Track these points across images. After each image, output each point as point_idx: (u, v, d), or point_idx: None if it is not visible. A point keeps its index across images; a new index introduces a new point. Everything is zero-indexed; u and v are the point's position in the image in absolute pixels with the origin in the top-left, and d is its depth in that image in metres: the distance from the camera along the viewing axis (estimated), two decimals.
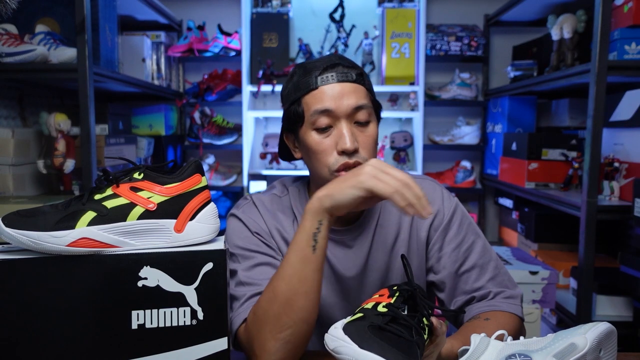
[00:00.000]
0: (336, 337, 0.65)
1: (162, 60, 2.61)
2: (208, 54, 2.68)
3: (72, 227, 0.66)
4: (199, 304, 0.70)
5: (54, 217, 0.67)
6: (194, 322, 0.70)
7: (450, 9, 2.84)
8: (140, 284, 0.68)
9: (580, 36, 1.98)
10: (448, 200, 1.04)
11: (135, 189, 0.71)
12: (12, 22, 1.72)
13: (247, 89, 2.67)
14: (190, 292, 0.69)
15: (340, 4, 2.64)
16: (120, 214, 0.69)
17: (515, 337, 0.75)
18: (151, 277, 0.68)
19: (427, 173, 2.68)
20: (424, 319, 0.69)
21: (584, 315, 1.69)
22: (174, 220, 0.71)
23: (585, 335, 0.67)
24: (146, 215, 0.70)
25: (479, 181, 2.82)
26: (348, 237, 1.01)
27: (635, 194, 1.58)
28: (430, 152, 2.82)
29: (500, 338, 0.73)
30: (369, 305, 0.70)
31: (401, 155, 2.75)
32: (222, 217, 2.65)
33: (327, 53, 2.72)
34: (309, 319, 0.82)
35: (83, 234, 0.66)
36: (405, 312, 0.69)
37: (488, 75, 2.83)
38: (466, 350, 0.70)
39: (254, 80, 2.68)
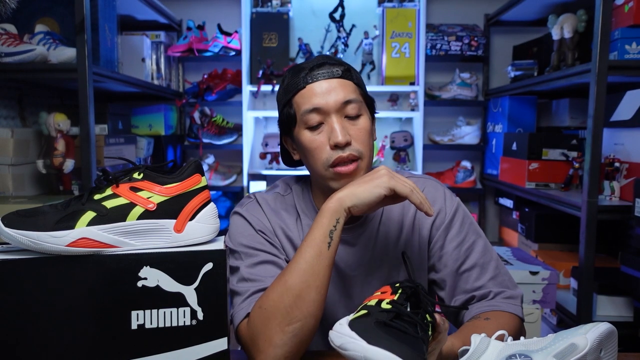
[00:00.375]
0: (342, 333, 0.65)
1: (162, 60, 2.61)
2: (208, 54, 2.68)
3: (72, 227, 0.66)
4: (199, 304, 0.69)
5: (54, 217, 0.67)
6: (194, 322, 0.69)
7: (450, 8, 2.84)
8: (140, 284, 0.68)
9: (580, 36, 1.97)
10: (450, 200, 1.04)
11: (135, 189, 0.70)
12: (11, 22, 1.72)
13: (247, 88, 2.67)
14: (190, 292, 0.69)
15: (340, 4, 2.64)
16: (120, 214, 0.68)
17: (516, 338, 0.75)
18: (151, 277, 0.68)
19: (428, 173, 2.68)
20: (427, 315, 0.69)
21: (584, 316, 1.69)
22: (174, 220, 0.71)
23: (586, 335, 0.66)
24: (146, 215, 0.69)
25: (479, 181, 2.82)
26: (351, 236, 1.01)
27: (635, 194, 1.58)
28: (431, 152, 2.82)
29: (501, 338, 0.73)
30: (372, 302, 0.70)
31: (401, 155, 2.75)
32: (222, 217, 2.66)
33: (327, 53, 2.72)
34: (317, 313, 0.84)
35: (83, 234, 0.66)
36: (409, 309, 0.69)
37: (488, 75, 2.83)
38: (466, 351, 0.69)
39: (253, 80, 2.68)
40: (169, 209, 0.71)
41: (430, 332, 0.69)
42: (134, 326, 0.68)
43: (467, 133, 2.76)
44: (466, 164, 2.73)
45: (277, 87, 2.63)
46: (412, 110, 2.69)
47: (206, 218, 0.74)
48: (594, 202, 1.65)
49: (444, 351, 0.77)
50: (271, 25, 2.68)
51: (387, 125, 2.86)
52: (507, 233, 2.72)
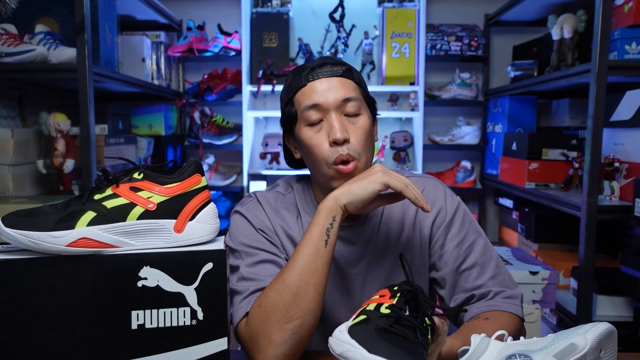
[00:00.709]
0: (343, 341, 0.64)
1: (162, 60, 2.61)
2: (208, 54, 2.68)
3: (72, 227, 0.66)
4: (199, 304, 0.69)
5: (54, 217, 0.67)
6: (194, 322, 0.69)
7: (450, 8, 2.84)
8: (140, 284, 0.68)
9: (580, 36, 1.98)
10: (450, 199, 1.04)
11: (135, 189, 0.70)
12: (12, 22, 1.72)
13: (247, 88, 2.67)
14: (190, 292, 0.69)
15: (340, 4, 2.64)
16: (120, 214, 0.68)
17: (516, 337, 0.75)
18: (151, 277, 0.68)
19: (428, 173, 2.67)
20: (426, 318, 0.69)
21: (584, 316, 1.69)
22: (174, 220, 0.71)
23: (586, 335, 0.66)
24: (146, 215, 0.69)
25: (479, 181, 2.82)
26: (352, 234, 1.01)
27: (635, 194, 1.58)
28: (431, 152, 2.82)
29: (501, 338, 0.73)
30: (371, 307, 0.70)
31: (401, 155, 2.75)
32: (222, 217, 2.66)
33: (327, 53, 2.72)
34: (316, 311, 0.85)
35: (83, 234, 0.66)
36: (407, 313, 0.69)
37: (488, 75, 2.83)
38: (466, 351, 0.69)
39: (253, 80, 2.68)
40: (169, 209, 0.71)
41: (429, 335, 0.69)
42: (134, 326, 0.68)
43: (467, 133, 2.76)
44: (466, 164, 2.73)
45: (277, 87, 2.64)
46: (412, 110, 2.69)
47: (206, 218, 0.74)
48: (594, 202, 1.65)
49: (443, 351, 0.77)
50: (271, 26, 2.68)
51: (387, 125, 2.86)
52: (507, 233, 2.72)
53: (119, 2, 2.10)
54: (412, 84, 2.68)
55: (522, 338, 0.72)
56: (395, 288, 0.73)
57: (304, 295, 0.83)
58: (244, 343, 0.88)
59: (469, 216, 1.04)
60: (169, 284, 0.69)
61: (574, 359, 0.65)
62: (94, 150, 1.70)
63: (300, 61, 2.75)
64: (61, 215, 0.67)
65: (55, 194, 1.84)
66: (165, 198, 0.71)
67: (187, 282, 0.69)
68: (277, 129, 2.87)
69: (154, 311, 0.68)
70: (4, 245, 0.70)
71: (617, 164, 1.76)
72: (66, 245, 0.66)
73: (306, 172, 1.06)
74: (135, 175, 0.72)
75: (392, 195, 0.90)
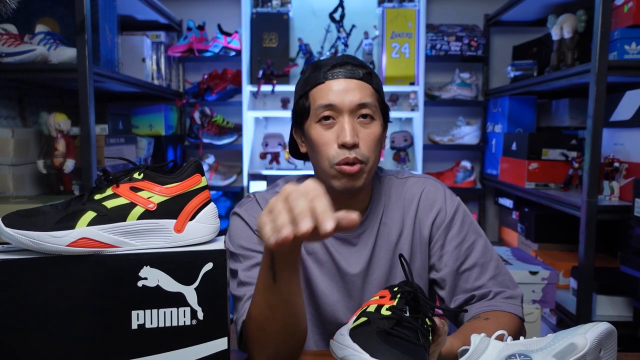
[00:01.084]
0: (344, 344, 0.64)
1: (162, 60, 2.61)
2: (208, 54, 2.68)
3: (72, 227, 0.66)
4: (199, 304, 0.69)
5: (54, 217, 0.67)
6: (194, 322, 0.70)
7: (450, 9, 2.84)
8: (140, 284, 0.68)
9: (580, 36, 1.98)
10: (450, 199, 1.04)
11: (135, 189, 0.70)
12: (12, 22, 1.72)
13: (247, 89, 2.67)
14: (190, 292, 0.69)
15: (340, 4, 2.64)
16: (120, 214, 0.69)
17: (515, 337, 0.75)
18: (151, 277, 0.68)
19: (427, 173, 2.67)
20: (427, 319, 0.69)
21: (584, 315, 1.69)
22: (174, 220, 0.71)
23: (585, 335, 0.67)
24: (146, 215, 0.69)
25: (479, 181, 2.82)
26: (352, 235, 1.01)
27: (635, 194, 1.58)
28: (430, 152, 2.82)
29: (500, 338, 0.73)
30: (372, 308, 0.70)
31: (401, 155, 2.75)
32: (222, 217, 2.66)
33: (327, 53, 2.72)
34: (289, 341, 0.81)
35: (83, 234, 0.66)
36: (408, 314, 0.68)
37: (488, 75, 2.83)
38: (466, 350, 0.70)
39: (254, 80, 2.68)
40: (169, 209, 0.71)
41: (430, 337, 0.69)
42: (134, 326, 0.68)
43: (467, 133, 2.76)
44: (466, 164, 2.73)
45: (277, 88, 2.64)
46: (412, 110, 2.69)
47: (206, 218, 0.74)
48: (594, 202, 1.65)
49: (443, 351, 0.77)
50: (271, 26, 2.68)
51: None
52: (507, 233, 2.72)
53: (119, 2, 2.10)
54: (412, 84, 2.68)
55: (522, 338, 0.72)
56: (396, 289, 0.73)
57: (268, 329, 0.79)
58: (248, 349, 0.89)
59: (468, 217, 1.04)
60: (169, 284, 0.69)
61: (574, 359, 0.65)
62: (94, 150, 1.70)
63: (300, 61, 2.75)
64: (61, 215, 0.67)
65: (56, 194, 1.84)
66: (166, 198, 0.71)
67: (187, 282, 0.69)
68: (277, 129, 2.88)
69: (154, 311, 0.68)
70: (4, 245, 0.70)
71: (616, 164, 1.76)
72: (66, 245, 0.66)
73: (306, 172, 1.06)
74: (136, 175, 0.72)
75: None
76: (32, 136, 1.86)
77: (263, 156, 2.79)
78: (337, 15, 2.66)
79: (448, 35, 2.68)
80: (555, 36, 2.04)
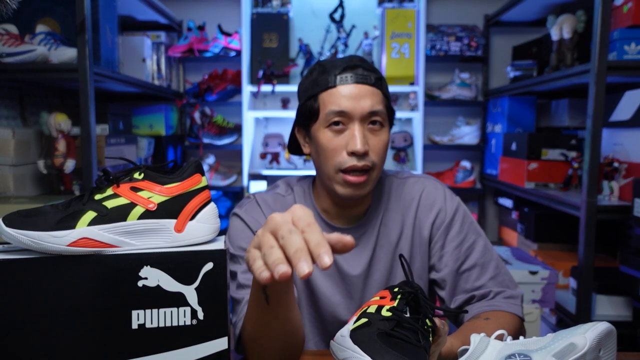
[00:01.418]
0: (345, 346, 0.64)
1: (163, 61, 2.61)
2: (208, 54, 2.68)
3: (73, 227, 0.66)
4: (199, 303, 0.70)
5: (55, 217, 0.67)
6: (194, 322, 0.70)
7: (450, 9, 2.84)
8: (140, 283, 0.68)
9: (580, 36, 1.98)
10: (450, 200, 1.04)
11: (136, 189, 0.71)
12: (12, 22, 1.72)
13: (247, 89, 2.67)
14: (190, 292, 0.69)
15: (340, 4, 2.64)
16: (120, 214, 0.69)
17: (515, 337, 0.75)
18: (151, 277, 0.68)
19: (427, 173, 2.68)
20: (427, 320, 0.69)
21: (583, 315, 1.69)
22: (174, 220, 0.71)
23: (585, 335, 0.67)
24: (146, 215, 0.70)
25: (478, 181, 2.82)
26: (353, 236, 1.01)
27: (634, 194, 1.59)
28: (430, 152, 2.82)
29: (500, 338, 0.73)
30: (372, 309, 0.69)
31: (401, 155, 2.76)
32: (222, 217, 2.66)
33: (327, 53, 2.72)
34: (284, 355, 0.80)
35: (83, 234, 0.66)
36: (408, 314, 0.68)
37: (488, 75, 2.83)
38: (466, 350, 0.70)
39: (254, 81, 2.68)
40: (170, 209, 0.71)
41: (430, 337, 0.69)
42: (134, 326, 0.68)
43: (467, 133, 2.76)
44: (466, 164, 2.73)
45: (277, 88, 2.64)
46: (412, 110, 2.70)
47: (206, 218, 0.74)
48: (593, 202, 1.65)
49: (443, 351, 0.77)
50: (271, 26, 2.68)
51: None
52: (507, 233, 2.72)
53: (120, 3, 2.10)
54: (412, 84, 2.68)
55: (521, 338, 0.72)
56: (396, 289, 0.73)
57: (263, 345, 0.79)
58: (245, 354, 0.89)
59: (468, 217, 1.04)
60: (170, 284, 0.69)
61: (573, 359, 0.65)
62: (95, 150, 1.70)
63: (301, 62, 2.75)
64: (62, 215, 0.67)
65: (56, 194, 1.84)
66: (166, 198, 0.71)
67: (188, 281, 0.69)
68: (277, 129, 2.88)
69: (155, 311, 0.68)
70: (5, 245, 0.70)
71: (616, 164, 1.76)
72: (67, 245, 0.66)
73: (306, 172, 1.05)
74: (136, 175, 0.72)
75: None
76: (33, 136, 1.86)
77: (263, 156, 2.79)
78: (337, 16, 2.66)
79: (448, 36, 2.68)
80: (554, 36, 2.04)
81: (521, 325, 0.96)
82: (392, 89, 2.69)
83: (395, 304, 0.69)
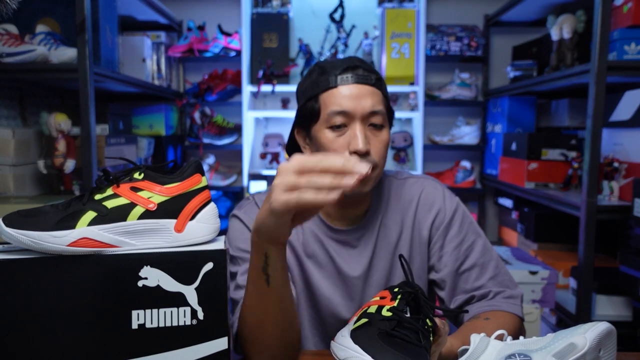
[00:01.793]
0: (346, 346, 0.64)
1: (163, 61, 2.61)
2: (208, 54, 2.68)
3: (73, 227, 0.66)
4: (199, 303, 0.70)
5: (55, 217, 0.67)
6: (194, 322, 0.70)
7: (450, 9, 2.84)
8: (140, 283, 0.68)
9: (580, 36, 1.98)
10: (449, 200, 1.04)
11: (136, 189, 0.71)
12: (12, 22, 1.72)
13: (247, 89, 2.67)
14: (190, 292, 0.69)
15: (340, 4, 2.64)
16: (120, 214, 0.69)
17: (515, 337, 0.75)
18: (151, 277, 0.68)
19: (427, 173, 2.68)
20: (428, 320, 0.69)
21: (583, 315, 1.69)
22: (174, 220, 0.71)
23: (585, 335, 0.67)
24: (146, 215, 0.70)
25: (478, 181, 2.82)
26: (352, 237, 1.01)
27: (634, 194, 1.59)
28: (430, 152, 2.82)
29: (500, 338, 0.73)
30: (373, 310, 0.69)
31: (401, 155, 2.76)
32: (222, 217, 2.66)
33: (327, 53, 2.72)
34: (283, 343, 0.81)
35: (83, 234, 0.66)
36: (408, 314, 0.68)
37: (488, 75, 2.83)
38: (466, 350, 0.70)
39: (254, 81, 2.68)
40: (170, 209, 0.71)
41: (431, 337, 0.69)
42: (134, 326, 0.68)
43: (467, 133, 2.76)
44: (466, 164, 2.73)
45: (277, 88, 2.64)
46: (412, 110, 2.70)
47: (206, 218, 0.74)
48: (593, 202, 1.65)
49: (443, 351, 0.77)
50: (271, 26, 2.68)
51: None
52: (507, 233, 2.72)
53: (120, 3, 2.10)
54: (412, 84, 2.68)
55: (521, 338, 0.72)
56: (396, 289, 0.73)
57: (262, 333, 0.80)
58: (243, 354, 0.89)
59: (468, 217, 1.04)
60: (170, 284, 0.69)
61: (574, 359, 0.65)
62: (95, 150, 1.70)
63: (301, 62, 2.75)
64: (62, 215, 0.67)
65: (56, 194, 1.84)
66: (166, 198, 0.71)
67: (188, 281, 0.69)
68: (277, 129, 2.88)
69: (155, 311, 0.69)
70: (5, 245, 0.70)
71: (616, 164, 1.76)
72: (67, 245, 0.66)
73: None
74: (136, 175, 0.72)
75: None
76: (33, 136, 1.86)
77: (263, 156, 2.79)
78: (337, 16, 2.66)
79: (448, 36, 2.68)
80: (554, 36, 2.04)
81: (521, 325, 0.96)
82: (392, 89, 2.69)
83: (395, 304, 0.69)
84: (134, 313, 0.68)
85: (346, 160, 0.64)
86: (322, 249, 1.01)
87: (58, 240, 0.66)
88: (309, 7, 2.81)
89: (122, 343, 0.68)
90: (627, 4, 1.64)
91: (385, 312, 0.68)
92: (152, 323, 0.69)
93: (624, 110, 1.75)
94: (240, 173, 2.79)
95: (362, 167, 0.63)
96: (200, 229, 0.73)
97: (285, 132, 2.83)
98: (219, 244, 0.74)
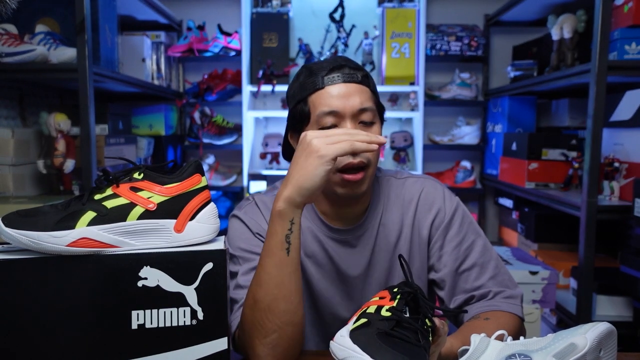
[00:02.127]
0: (345, 346, 0.64)
1: (162, 60, 2.61)
2: (208, 54, 2.68)
3: (72, 227, 0.66)
4: (199, 304, 0.70)
5: (54, 217, 0.67)
6: (194, 322, 0.70)
7: (450, 9, 2.84)
8: (140, 284, 0.68)
9: (580, 36, 1.98)
10: (449, 200, 1.04)
11: (135, 189, 0.71)
12: (12, 22, 1.72)
13: (247, 89, 2.67)
14: (190, 292, 0.69)
15: (340, 4, 2.64)
16: (120, 214, 0.69)
17: (515, 337, 0.75)
18: (151, 277, 0.68)
19: (427, 173, 2.68)
20: (427, 320, 0.69)
21: (583, 315, 1.69)
22: (174, 220, 0.71)
23: (585, 335, 0.67)
24: (146, 215, 0.69)
25: (479, 181, 2.82)
26: (352, 237, 1.01)
27: (635, 194, 1.58)
28: (430, 152, 2.82)
29: (500, 338, 0.73)
30: (372, 309, 0.69)
31: (401, 155, 2.75)
32: (222, 217, 2.65)
33: (327, 53, 2.72)
34: (293, 320, 0.82)
35: (83, 234, 0.66)
36: (408, 314, 0.68)
37: (488, 75, 2.83)
38: (466, 350, 0.70)
39: (254, 80, 2.68)
40: (169, 209, 0.71)
41: (430, 337, 0.69)
42: (134, 326, 0.68)
43: (467, 133, 2.76)
44: (466, 164, 2.73)
45: (277, 88, 2.64)
46: (412, 110, 2.69)
47: (206, 218, 0.74)
48: (594, 202, 1.65)
49: (443, 352, 0.77)
50: (271, 26, 2.68)
51: (387, 125, 2.86)
52: (507, 233, 2.72)
53: (119, 2, 2.10)
54: (412, 84, 2.68)
55: (521, 338, 0.72)
56: (395, 289, 0.72)
57: (275, 310, 0.81)
58: (242, 352, 0.88)
59: (468, 217, 1.04)
60: (169, 284, 0.69)
61: (574, 359, 0.65)
62: (94, 150, 1.70)
63: (301, 61, 2.75)
64: (61, 215, 0.67)
65: (56, 194, 1.84)
66: (166, 198, 0.71)
67: (187, 282, 0.69)
68: (277, 129, 2.88)
69: (154, 311, 0.68)
70: (4, 245, 0.70)
71: (616, 164, 1.76)
72: (66, 245, 0.66)
73: None
74: (136, 175, 0.72)
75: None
76: (32, 136, 1.86)
77: (263, 156, 2.79)
78: (337, 15, 2.66)
79: (448, 35, 2.68)
80: (555, 36, 2.04)
81: (521, 325, 0.96)
82: (392, 89, 2.69)
83: (394, 304, 0.69)
84: (134, 313, 0.68)
85: (369, 135, 0.82)
86: (321, 248, 1.01)
87: (57, 241, 0.65)
88: (309, 6, 2.81)
89: (122, 343, 0.68)
90: (628, 4, 1.63)
91: (384, 312, 0.68)
92: (152, 323, 0.68)
93: (624, 110, 1.75)
94: (240, 173, 2.79)
95: (382, 139, 0.82)
96: (200, 229, 0.73)
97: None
98: (219, 244, 0.73)
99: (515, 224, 2.55)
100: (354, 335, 0.65)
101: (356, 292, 1.01)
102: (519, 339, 0.72)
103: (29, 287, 0.66)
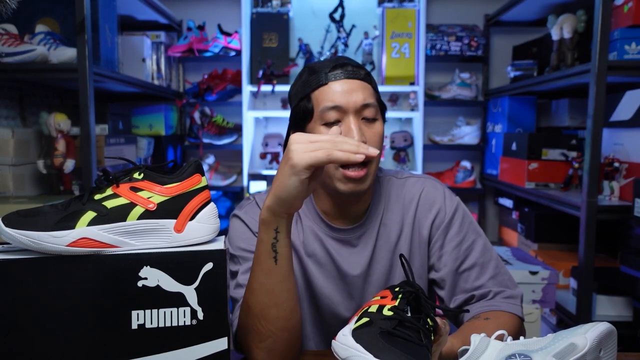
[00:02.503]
0: (348, 345, 0.64)
1: (162, 60, 2.61)
2: (208, 54, 2.68)
3: (72, 227, 0.66)
4: (199, 304, 0.69)
5: (54, 217, 0.67)
6: (194, 322, 0.70)
7: (450, 9, 2.84)
8: (140, 284, 0.68)
9: (580, 36, 1.98)
10: (450, 199, 1.04)
11: (135, 189, 0.71)
12: (12, 22, 1.72)
13: (247, 89, 2.67)
14: (190, 292, 0.69)
15: (340, 4, 2.64)
16: (120, 214, 0.69)
17: (515, 337, 0.75)
18: (151, 277, 0.68)
19: (427, 173, 2.67)
20: (428, 319, 0.69)
21: (583, 315, 1.69)
22: (174, 220, 0.71)
23: (585, 335, 0.67)
24: (146, 215, 0.69)
25: (479, 181, 2.82)
26: (352, 236, 1.01)
27: (635, 194, 1.58)
28: (430, 152, 2.82)
29: (500, 338, 0.73)
30: (374, 309, 0.69)
31: (401, 155, 2.75)
32: (222, 217, 2.66)
33: (327, 53, 2.72)
34: (287, 326, 0.82)
35: (83, 234, 0.66)
36: (409, 314, 0.68)
37: (488, 75, 2.83)
38: (466, 350, 0.70)
39: (254, 80, 2.68)
40: (169, 209, 0.71)
41: (432, 337, 0.69)
42: (134, 326, 0.68)
43: (467, 133, 2.76)
44: (466, 164, 2.73)
45: (277, 88, 2.64)
46: (412, 110, 2.69)
47: (206, 218, 0.74)
48: (594, 202, 1.65)
49: (443, 351, 0.77)
50: (271, 26, 2.68)
51: (387, 125, 2.84)
52: (507, 233, 2.72)
53: (119, 2, 2.10)
54: (412, 84, 2.68)
55: (521, 338, 0.72)
56: (397, 289, 0.73)
57: (267, 316, 0.81)
58: (241, 353, 0.89)
59: (468, 216, 1.04)
60: (169, 284, 0.69)
61: (574, 359, 0.65)
62: (94, 150, 1.70)
63: (301, 61, 2.75)
64: (61, 215, 0.67)
65: (56, 194, 1.84)
66: (166, 198, 0.71)
67: (187, 282, 0.69)
68: (277, 129, 2.88)
69: (154, 311, 0.68)
70: (4, 245, 0.70)
71: (616, 164, 1.76)
72: (66, 245, 0.66)
73: None
74: (136, 175, 0.72)
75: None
76: (32, 136, 1.86)
77: (263, 156, 2.79)
78: (337, 15, 2.66)
79: (448, 35, 2.68)
80: (555, 36, 2.04)
81: (521, 325, 0.96)
82: (392, 89, 2.69)
83: (396, 303, 0.69)
84: (134, 313, 0.68)
85: (358, 144, 0.75)
86: (322, 247, 1.01)
87: (58, 241, 0.65)
88: (309, 6, 2.81)
89: (122, 343, 0.68)
90: (628, 4, 1.63)
91: (386, 312, 0.68)
92: (152, 323, 0.68)
93: (624, 110, 1.75)
94: (240, 173, 2.79)
95: (373, 151, 0.76)
96: (200, 229, 0.73)
97: (285, 132, 2.82)
98: (219, 244, 0.73)
99: (515, 224, 2.55)
100: (357, 335, 0.65)
101: (356, 291, 1.02)
102: (519, 339, 0.72)
103: (29, 287, 0.66)
